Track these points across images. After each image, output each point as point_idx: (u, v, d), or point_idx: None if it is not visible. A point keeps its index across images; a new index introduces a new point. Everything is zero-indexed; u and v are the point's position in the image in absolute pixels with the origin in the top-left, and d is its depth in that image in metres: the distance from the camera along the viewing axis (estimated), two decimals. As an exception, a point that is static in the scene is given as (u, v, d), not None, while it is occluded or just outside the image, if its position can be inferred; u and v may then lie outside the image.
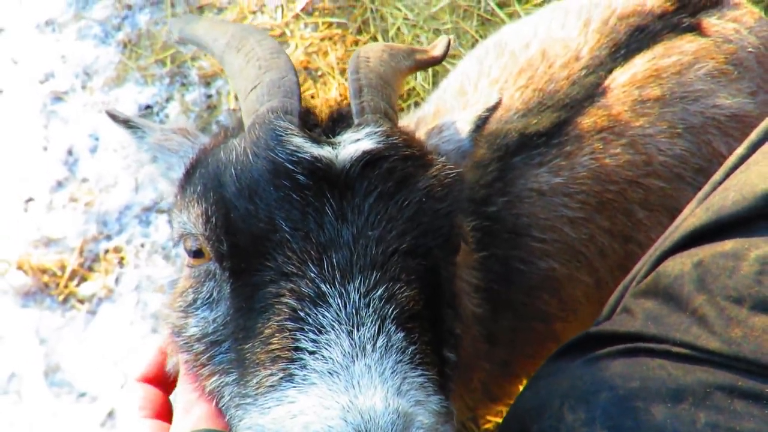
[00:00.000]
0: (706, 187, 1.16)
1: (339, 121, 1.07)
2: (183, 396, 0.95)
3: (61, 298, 3.07)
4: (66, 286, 3.07)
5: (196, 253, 0.99)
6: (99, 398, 2.96)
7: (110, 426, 2.92)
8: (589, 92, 1.60)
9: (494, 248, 1.47)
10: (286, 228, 0.89)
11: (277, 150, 0.93)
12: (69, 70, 3.46)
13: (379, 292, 0.86)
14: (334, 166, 0.93)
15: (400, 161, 0.97)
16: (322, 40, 3.37)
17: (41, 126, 3.37)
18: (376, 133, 0.97)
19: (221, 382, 0.92)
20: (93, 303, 3.09)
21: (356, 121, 1.03)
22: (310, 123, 1.07)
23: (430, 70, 3.17)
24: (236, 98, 3.30)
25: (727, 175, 1.12)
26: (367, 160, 0.94)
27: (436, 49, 1.40)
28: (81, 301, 3.08)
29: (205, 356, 0.95)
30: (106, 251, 3.16)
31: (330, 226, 0.89)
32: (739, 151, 1.12)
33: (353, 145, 0.95)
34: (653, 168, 1.57)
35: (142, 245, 3.17)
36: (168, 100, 3.36)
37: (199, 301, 0.99)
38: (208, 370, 0.94)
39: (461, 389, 1.49)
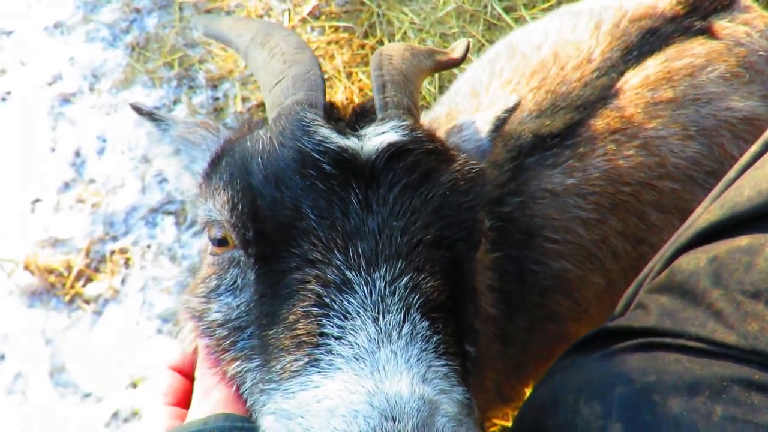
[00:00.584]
0: (720, 185, 1.16)
1: (362, 116, 1.08)
2: (202, 380, 0.95)
3: (67, 298, 3.07)
4: (72, 287, 3.07)
5: (221, 242, 1.00)
6: (104, 399, 2.96)
7: (115, 427, 2.91)
8: (602, 94, 1.61)
9: (508, 249, 1.48)
10: (312, 216, 0.90)
11: (303, 140, 0.94)
12: (77, 73, 3.47)
13: (404, 281, 0.87)
14: (359, 157, 0.93)
15: (425, 155, 0.98)
16: (328, 43, 3.38)
17: (49, 127, 3.38)
18: (400, 127, 0.98)
19: (244, 368, 0.91)
20: (99, 303, 3.09)
21: (380, 116, 1.04)
22: (333, 117, 1.08)
23: (436, 74, 3.18)
24: (243, 101, 3.32)
25: (741, 172, 1.13)
26: (393, 152, 0.94)
27: (456, 51, 1.41)
28: (87, 302, 3.08)
29: (227, 341, 0.95)
30: (113, 252, 3.16)
31: (355, 215, 0.90)
32: (753, 149, 1.13)
33: (378, 137, 0.96)
34: (666, 170, 1.57)
35: (149, 246, 3.18)
36: (175, 102, 3.37)
37: (222, 288, 0.99)
38: (230, 356, 0.94)
39: (474, 390, 1.49)
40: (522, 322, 1.53)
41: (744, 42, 1.71)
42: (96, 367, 3.01)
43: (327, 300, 0.85)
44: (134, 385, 2.97)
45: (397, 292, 0.86)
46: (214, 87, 3.38)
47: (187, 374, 1.04)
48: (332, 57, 3.34)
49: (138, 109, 1.29)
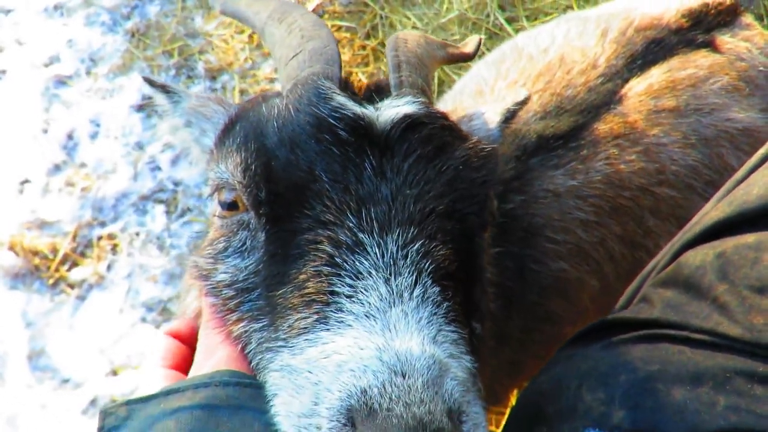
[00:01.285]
0: (728, 185, 1.18)
1: (377, 93, 1.08)
2: (205, 340, 0.93)
3: (50, 281, 3.03)
4: (57, 270, 3.03)
5: (230, 205, 1.00)
6: (83, 385, 2.91)
7: (92, 414, 2.87)
8: (606, 99, 1.63)
9: (509, 245, 1.49)
10: (326, 179, 0.90)
11: (320, 106, 0.95)
12: (74, 55, 3.44)
13: (416, 246, 0.87)
14: (375, 126, 0.94)
15: (439, 129, 0.99)
16: (330, 42, 3.38)
17: (42, 109, 3.34)
18: (415, 102, 0.99)
19: (250, 328, 0.91)
20: (83, 289, 3.05)
21: (395, 93, 1.05)
22: (348, 91, 1.08)
23: (436, 75, 3.20)
24: (241, 93, 3.31)
25: (749, 173, 1.15)
26: (408, 124, 0.95)
27: (468, 46, 1.43)
28: (71, 286, 3.04)
29: (234, 302, 0.94)
30: (100, 237, 3.12)
31: (369, 181, 0.90)
32: (762, 151, 1.15)
33: (395, 108, 0.97)
34: (666, 177, 1.60)
35: (137, 234, 3.14)
36: (173, 91, 3.36)
37: (230, 250, 0.99)
38: (236, 316, 0.93)
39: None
40: (520, 321, 1.54)
41: (745, 57, 1.75)
42: (76, 352, 2.97)
43: (338, 260, 0.85)
44: (114, 373, 2.93)
45: (409, 256, 0.86)
46: (213, 78, 3.37)
47: (186, 340, 1.03)
48: (333, 55, 3.35)
49: (151, 82, 1.29)
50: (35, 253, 3.04)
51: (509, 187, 1.52)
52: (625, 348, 1.03)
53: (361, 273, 0.84)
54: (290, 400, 0.78)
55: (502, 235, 1.48)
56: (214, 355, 0.88)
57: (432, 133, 0.98)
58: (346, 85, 1.09)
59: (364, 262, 0.84)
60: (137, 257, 3.10)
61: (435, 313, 0.83)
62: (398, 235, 0.87)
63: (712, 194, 1.64)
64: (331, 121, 0.93)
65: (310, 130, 0.93)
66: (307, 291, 0.84)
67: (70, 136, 3.30)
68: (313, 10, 3.48)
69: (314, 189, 0.90)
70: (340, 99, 0.97)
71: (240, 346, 0.91)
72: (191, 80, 3.38)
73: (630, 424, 0.91)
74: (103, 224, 3.16)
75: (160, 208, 3.19)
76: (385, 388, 0.72)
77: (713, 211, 1.14)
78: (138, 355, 2.95)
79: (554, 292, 1.58)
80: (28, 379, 2.88)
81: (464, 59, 1.43)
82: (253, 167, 0.94)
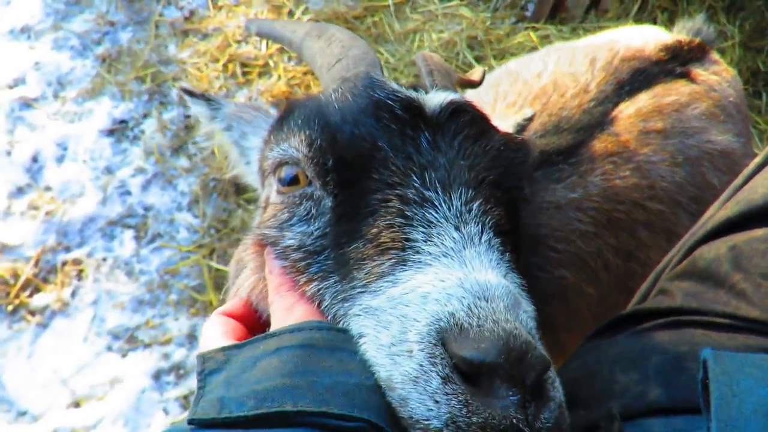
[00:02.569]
0: (729, 190, 1.28)
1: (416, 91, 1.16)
2: (280, 303, 0.92)
3: (10, 308, 2.89)
4: (17, 296, 2.90)
5: (291, 180, 1.04)
6: (41, 418, 2.76)
7: (50, 449, 2.71)
8: (600, 120, 1.75)
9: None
10: (389, 149, 0.97)
11: (376, 90, 1.03)
12: (42, 78, 3.38)
13: (477, 203, 0.93)
14: (426, 109, 1.02)
15: (479, 116, 1.09)
16: (305, 73, 3.46)
17: (5, 130, 3.24)
18: (456, 94, 1.09)
19: (321, 287, 0.92)
20: (45, 315, 2.92)
21: (434, 89, 1.14)
22: None
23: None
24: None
25: (747, 179, 1.26)
26: (454, 108, 1.04)
27: (474, 75, 1.56)
28: (32, 313, 2.91)
29: (303, 263, 0.96)
30: (64, 263, 3.02)
31: (426, 152, 0.97)
32: (757, 160, 1.27)
33: (441, 96, 1.06)
34: (656, 192, 1.71)
35: (104, 259, 3.05)
36: (145, 116, 3.33)
37: (295, 218, 1.02)
38: (306, 277, 0.95)
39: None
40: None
41: (717, 88, 1.92)
42: (35, 383, 2.82)
43: (409, 213, 0.90)
44: (77, 405, 2.79)
45: (472, 211, 0.92)
46: (187, 105, 3.36)
47: (240, 319, 1.03)
48: (308, 86, 3.42)
49: (190, 92, 1.36)
50: (-6, 278, 2.91)
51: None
52: (651, 334, 1.09)
53: (431, 222, 0.88)
54: (378, 335, 0.80)
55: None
56: (293, 314, 0.89)
57: (474, 118, 1.07)
58: None
59: (434, 214, 0.89)
60: (104, 283, 3.00)
61: (502, 259, 0.89)
62: (460, 193, 0.93)
63: (696, 209, 1.77)
64: (389, 101, 1.01)
65: (369, 110, 1.00)
66: (381, 241, 0.88)
67: (34, 159, 3.21)
68: (288, 43, 3.55)
69: (379, 157, 0.96)
70: (393, 85, 1.06)
71: (315, 303, 0.92)
72: (164, 106, 3.36)
73: (666, 399, 0.96)
74: (68, 249, 3.05)
75: (129, 233, 3.11)
76: (471, 310, 0.76)
77: (721, 210, 1.23)
78: (102, 386, 2.83)
79: (556, 298, 1.65)
80: (-20, 411, 2.71)
81: (472, 86, 1.57)
82: (319, 141, 1.00)
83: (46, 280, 2.97)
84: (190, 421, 0.69)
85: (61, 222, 3.08)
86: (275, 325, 0.90)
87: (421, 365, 0.74)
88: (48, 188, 3.15)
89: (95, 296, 2.97)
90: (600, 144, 1.72)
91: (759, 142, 3.29)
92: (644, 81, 1.85)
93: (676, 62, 1.94)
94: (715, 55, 2.06)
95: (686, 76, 1.90)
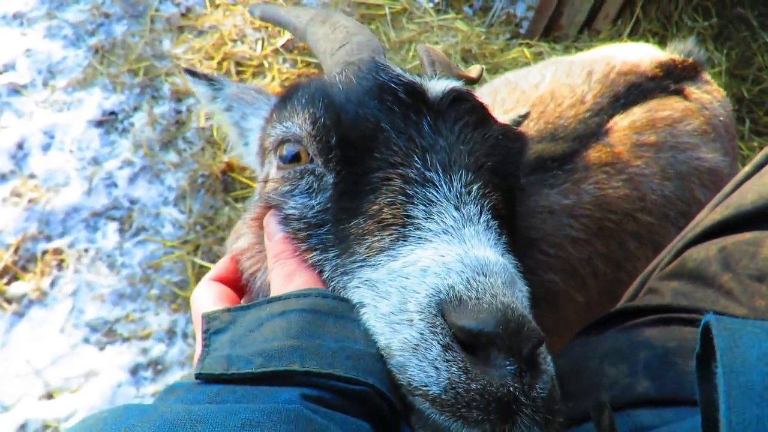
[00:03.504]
0: (718, 197, 1.32)
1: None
2: (281, 270, 0.92)
3: (-14, 295, 2.83)
4: (-6, 284, 2.84)
5: (293, 158, 1.05)
6: (12, 409, 2.70)
7: (20, 440, 2.65)
8: (594, 130, 1.78)
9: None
10: (392, 130, 0.99)
11: (380, 73, 1.06)
12: (32, 66, 3.34)
13: (476, 186, 0.95)
14: (428, 94, 1.04)
15: (479, 105, 1.11)
16: (299, 75, 3.46)
17: (-8, 115, 3.20)
18: (457, 82, 1.11)
19: (322, 258, 0.93)
20: (22, 304, 2.87)
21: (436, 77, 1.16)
22: None
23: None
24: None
25: (736, 187, 1.29)
26: (455, 96, 1.06)
27: (472, 72, 1.58)
28: (8, 301, 2.85)
29: (303, 234, 0.97)
30: (45, 252, 2.97)
31: (428, 135, 1.00)
32: (746, 169, 1.30)
33: (443, 82, 1.08)
34: (646, 204, 1.74)
35: (86, 250, 3.01)
36: (136, 109, 3.31)
37: (297, 191, 1.02)
38: (306, 246, 0.95)
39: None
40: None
41: (708, 107, 1.96)
42: (8, 373, 2.76)
43: (411, 192, 0.91)
44: (50, 396, 2.73)
45: (472, 192, 0.94)
46: (179, 100, 3.35)
47: (230, 284, 1.02)
48: (302, 89, 3.42)
49: (193, 72, 1.35)
50: (-29, 264, 2.85)
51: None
52: (640, 330, 1.11)
53: (432, 201, 0.90)
54: (377, 305, 0.81)
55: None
56: (293, 282, 0.89)
57: (474, 107, 1.10)
58: None
59: (435, 193, 0.92)
60: (84, 275, 2.95)
61: (499, 240, 0.91)
62: (461, 176, 0.95)
63: (684, 224, 1.80)
64: (393, 85, 1.03)
65: (373, 92, 1.03)
66: (382, 217, 0.89)
67: (20, 146, 3.17)
68: (283, 45, 3.56)
69: (381, 138, 0.98)
70: (397, 70, 1.08)
71: (316, 272, 0.93)
72: (155, 100, 3.34)
73: (655, 392, 0.97)
74: (49, 238, 3.00)
75: (113, 226, 3.08)
76: (470, 284, 0.78)
77: (711, 214, 1.26)
78: (77, 378, 2.77)
79: (545, 302, 1.66)
80: (-50, 399, 2.64)
81: (469, 82, 1.58)
82: (322, 119, 1.01)
83: (25, 269, 2.92)
84: (197, 375, 0.69)
85: (44, 210, 3.03)
86: (275, 291, 0.90)
87: (422, 333, 0.75)
88: (32, 176, 3.11)
89: (75, 287, 2.93)
90: (594, 153, 1.74)
91: (741, 166, 3.36)
92: (639, 95, 1.89)
93: (671, 79, 1.98)
94: (706, 76, 2.10)
95: (680, 93, 1.94)
